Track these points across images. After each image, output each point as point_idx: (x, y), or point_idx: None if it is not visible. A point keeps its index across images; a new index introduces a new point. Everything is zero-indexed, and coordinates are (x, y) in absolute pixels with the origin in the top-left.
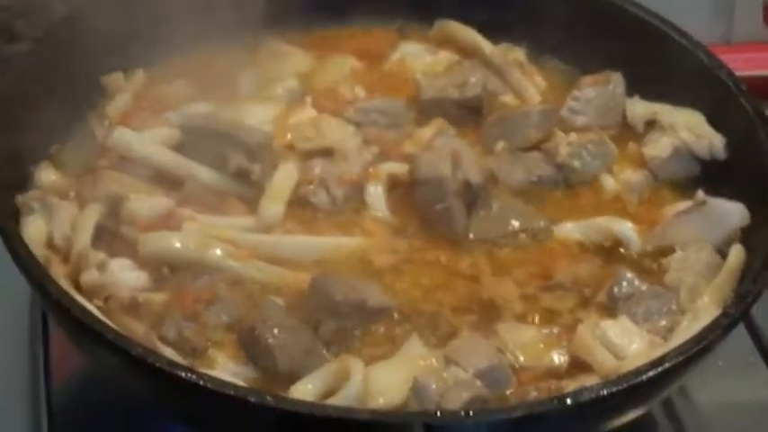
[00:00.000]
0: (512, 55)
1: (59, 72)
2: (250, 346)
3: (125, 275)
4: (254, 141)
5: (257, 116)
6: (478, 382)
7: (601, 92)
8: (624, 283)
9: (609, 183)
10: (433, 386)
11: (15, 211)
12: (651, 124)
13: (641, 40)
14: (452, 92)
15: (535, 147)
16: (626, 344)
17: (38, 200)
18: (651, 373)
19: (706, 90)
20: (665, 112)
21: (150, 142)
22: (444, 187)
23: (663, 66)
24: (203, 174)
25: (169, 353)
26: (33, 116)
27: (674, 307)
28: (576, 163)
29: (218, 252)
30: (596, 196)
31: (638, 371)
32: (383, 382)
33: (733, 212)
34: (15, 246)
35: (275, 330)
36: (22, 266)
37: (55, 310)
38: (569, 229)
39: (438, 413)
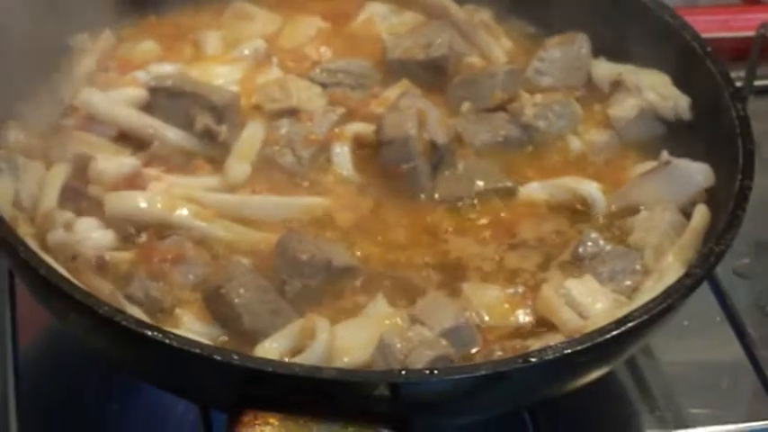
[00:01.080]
0: (477, 16)
1: (24, 32)
2: (216, 306)
3: (91, 235)
4: (221, 102)
5: (224, 77)
6: (444, 342)
7: (566, 52)
8: (589, 243)
9: (574, 143)
10: (398, 345)
11: None
12: (616, 85)
13: (607, 1)
14: (418, 53)
15: (500, 107)
16: (590, 303)
17: (4, 159)
18: (615, 332)
19: (671, 51)
20: (631, 72)
21: (117, 102)
22: (410, 147)
23: (628, 27)
24: (170, 134)
25: (136, 312)
26: None
27: (638, 267)
28: (542, 123)
29: (185, 212)
30: (562, 157)
31: (602, 329)
32: (348, 340)
33: (698, 173)
34: None
35: (241, 290)
36: None
37: (21, 268)
38: (535, 189)
39: (403, 372)
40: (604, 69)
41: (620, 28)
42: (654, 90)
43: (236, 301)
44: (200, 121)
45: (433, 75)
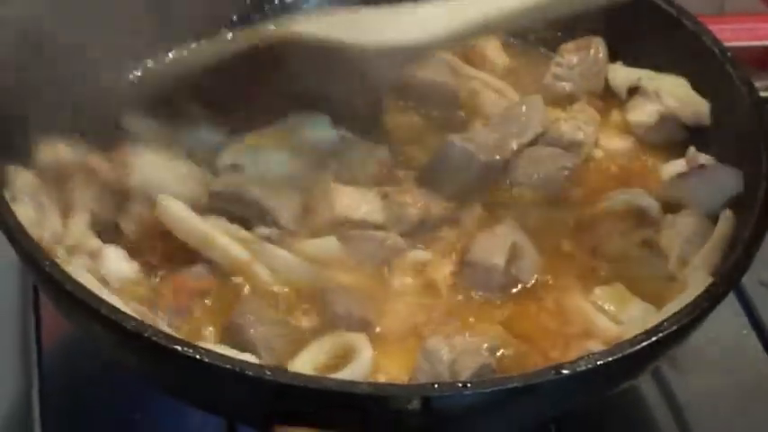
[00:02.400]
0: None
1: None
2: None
3: (117, 266)
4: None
5: None
6: (485, 351)
7: (583, 57)
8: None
9: (595, 151)
10: (444, 351)
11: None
12: (634, 90)
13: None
14: None
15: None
16: (621, 310)
17: (27, 194)
18: (646, 342)
19: (690, 56)
20: (649, 77)
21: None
22: (491, 277)
23: (646, 32)
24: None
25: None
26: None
27: (662, 273)
28: (581, 135)
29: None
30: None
31: (634, 340)
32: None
33: (730, 178)
34: (5, 219)
35: (258, 326)
36: (12, 240)
37: (46, 284)
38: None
39: (436, 385)
40: (621, 74)
41: (638, 33)
42: (673, 95)
43: (252, 332)
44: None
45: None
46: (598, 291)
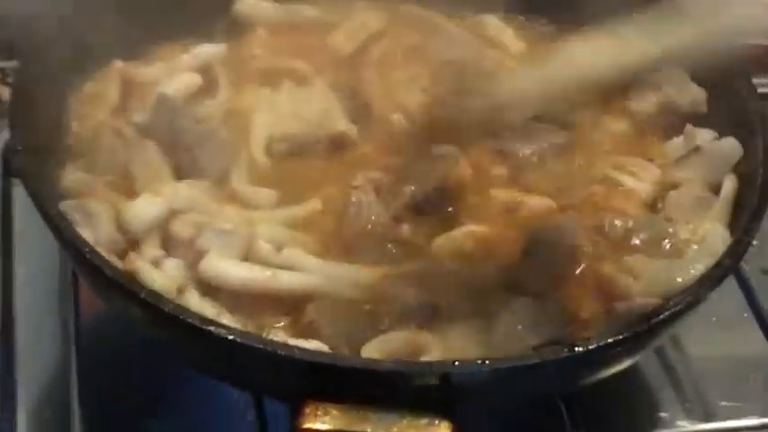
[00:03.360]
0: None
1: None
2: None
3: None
4: None
5: None
6: None
7: None
8: (616, 222)
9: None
10: None
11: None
12: (635, 79)
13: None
14: None
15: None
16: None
17: (75, 209)
18: (652, 321)
19: None
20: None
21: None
22: None
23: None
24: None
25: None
26: None
27: (670, 229)
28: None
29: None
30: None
31: (638, 320)
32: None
33: (727, 148)
34: (44, 206)
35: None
36: (51, 225)
37: (85, 269)
38: None
39: (455, 363)
40: None
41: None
42: (671, 84)
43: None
44: None
45: None
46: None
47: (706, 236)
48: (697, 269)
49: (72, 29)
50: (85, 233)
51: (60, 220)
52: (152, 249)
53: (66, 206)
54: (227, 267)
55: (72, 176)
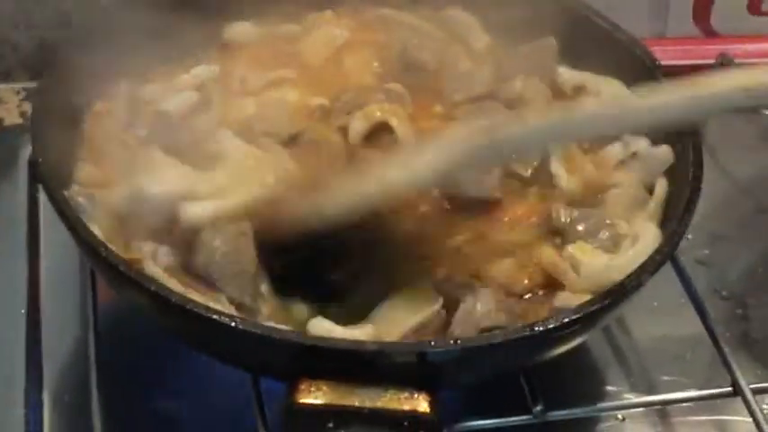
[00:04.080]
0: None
1: None
2: None
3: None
4: None
5: None
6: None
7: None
8: (561, 210)
9: None
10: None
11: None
12: (578, 89)
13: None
14: None
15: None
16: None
17: (81, 195)
18: (605, 302)
19: (624, 64)
20: (591, 79)
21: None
22: None
23: (587, 43)
24: None
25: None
26: None
27: (607, 221)
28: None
29: None
30: None
31: (592, 301)
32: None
33: (660, 155)
34: (63, 210)
35: None
36: (68, 226)
37: (97, 263)
38: None
39: (432, 343)
40: (567, 75)
41: (580, 44)
42: (612, 95)
43: None
44: None
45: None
46: (569, 248)
47: (639, 233)
48: (632, 267)
49: (85, 54)
50: (94, 228)
51: (77, 223)
52: (147, 241)
53: (73, 192)
54: None
55: (83, 172)
